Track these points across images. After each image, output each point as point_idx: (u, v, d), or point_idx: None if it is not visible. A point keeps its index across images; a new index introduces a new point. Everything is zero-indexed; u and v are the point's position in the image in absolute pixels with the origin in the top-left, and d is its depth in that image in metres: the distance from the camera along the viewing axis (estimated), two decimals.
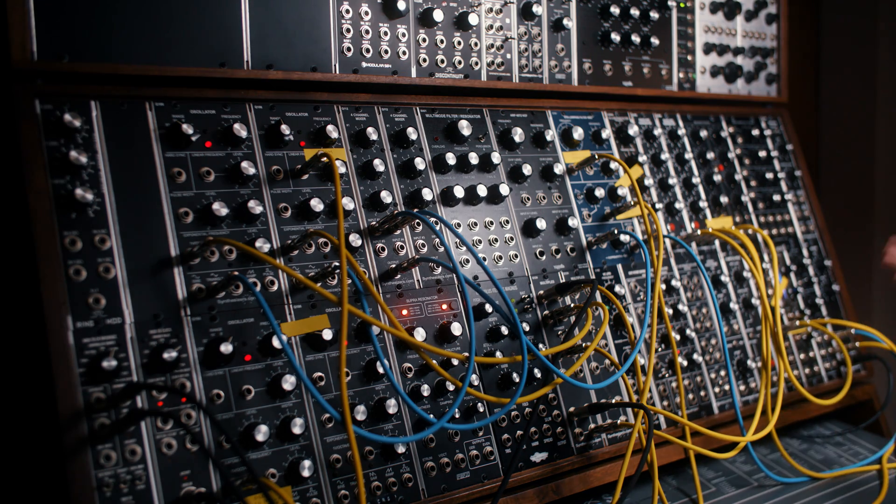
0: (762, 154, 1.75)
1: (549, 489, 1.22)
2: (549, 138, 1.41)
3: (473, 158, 1.29)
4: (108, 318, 0.97)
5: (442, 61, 1.31)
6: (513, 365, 1.25)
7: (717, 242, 1.60)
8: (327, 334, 1.09)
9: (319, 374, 1.09)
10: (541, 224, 1.33)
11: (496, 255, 1.30)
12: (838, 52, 2.20)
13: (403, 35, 1.27)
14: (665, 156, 1.57)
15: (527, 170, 1.35)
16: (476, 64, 1.35)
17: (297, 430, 1.03)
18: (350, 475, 1.07)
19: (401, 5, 1.23)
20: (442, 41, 1.31)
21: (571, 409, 1.29)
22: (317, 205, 1.13)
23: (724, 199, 1.63)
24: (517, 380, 1.23)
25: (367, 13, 1.24)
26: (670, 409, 1.41)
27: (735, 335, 1.56)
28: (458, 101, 1.34)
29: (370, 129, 1.21)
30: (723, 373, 1.50)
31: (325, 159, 1.12)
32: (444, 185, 1.27)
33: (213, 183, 1.08)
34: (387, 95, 1.27)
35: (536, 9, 1.39)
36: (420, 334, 1.15)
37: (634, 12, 1.54)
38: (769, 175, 1.74)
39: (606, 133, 1.50)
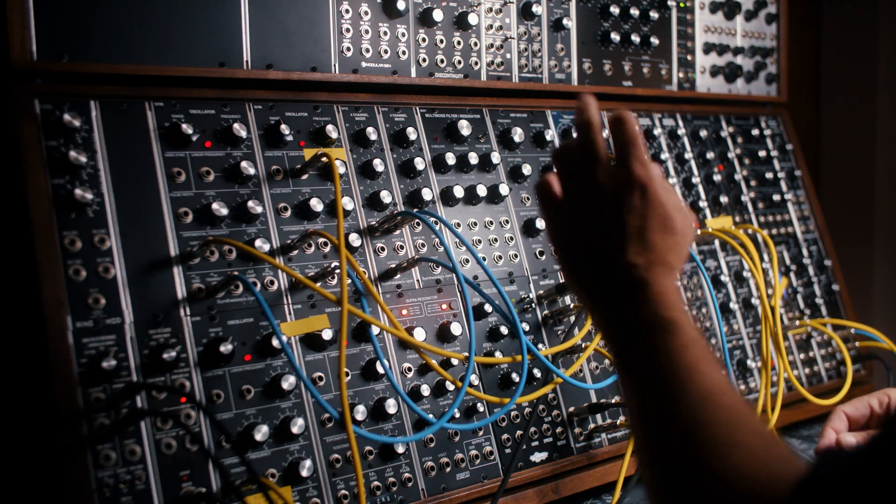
0: (762, 154, 1.75)
1: (549, 489, 1.22)
2: (548, 138, 1.40)
3: (473, 158, 1.29)
4: (108, 318, 0.96)
5: (442, 61, 1.31)
6: (513, 365, 1.25)
7: (716, 242, 1.60)
8: (327, 334, 1.08)
9: (319, 374, 1.09)
10: (541, 224, 1.33)
11: (496, 255, 1.30)
12: (838, 52, 2.20)
13: (403, 35, 1.27)
14: (665, 155, 1.57)
15: (527, 169, 1.35)
16: (476, 64, 1.35)
17: (296, 430, 1.03)
18: (350, 475, 1.07)
19: (400, 5, 1.23)
20: (442, 41, 1.31)
21: (571, 409, 1.29)
22: (316, 205, 1.12)
23: (723, 199, 1.63)
24: (517, 380, 1.23)
25: (366, 13, 1.23)
26: None
27: (735, 335, 1.56)
28: (458, 100, 1.34)
29: (370, 129, 1.21)
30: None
31: (324, 159, 1.12)
32: (444, 184, 1.27)
33: (212, 183, 1.08)
34: (386, 95, 1.27)
35: (536, 8, 1.39)
36: (420, 334, 1.15)
37: (634, 12, 1.54)
38: (769, 175, 1.74)
39: (606, 133, 1.49)
